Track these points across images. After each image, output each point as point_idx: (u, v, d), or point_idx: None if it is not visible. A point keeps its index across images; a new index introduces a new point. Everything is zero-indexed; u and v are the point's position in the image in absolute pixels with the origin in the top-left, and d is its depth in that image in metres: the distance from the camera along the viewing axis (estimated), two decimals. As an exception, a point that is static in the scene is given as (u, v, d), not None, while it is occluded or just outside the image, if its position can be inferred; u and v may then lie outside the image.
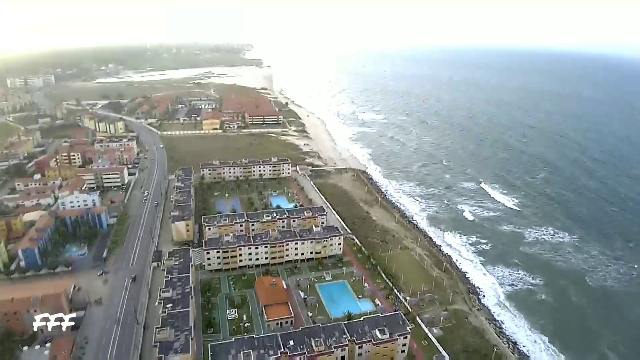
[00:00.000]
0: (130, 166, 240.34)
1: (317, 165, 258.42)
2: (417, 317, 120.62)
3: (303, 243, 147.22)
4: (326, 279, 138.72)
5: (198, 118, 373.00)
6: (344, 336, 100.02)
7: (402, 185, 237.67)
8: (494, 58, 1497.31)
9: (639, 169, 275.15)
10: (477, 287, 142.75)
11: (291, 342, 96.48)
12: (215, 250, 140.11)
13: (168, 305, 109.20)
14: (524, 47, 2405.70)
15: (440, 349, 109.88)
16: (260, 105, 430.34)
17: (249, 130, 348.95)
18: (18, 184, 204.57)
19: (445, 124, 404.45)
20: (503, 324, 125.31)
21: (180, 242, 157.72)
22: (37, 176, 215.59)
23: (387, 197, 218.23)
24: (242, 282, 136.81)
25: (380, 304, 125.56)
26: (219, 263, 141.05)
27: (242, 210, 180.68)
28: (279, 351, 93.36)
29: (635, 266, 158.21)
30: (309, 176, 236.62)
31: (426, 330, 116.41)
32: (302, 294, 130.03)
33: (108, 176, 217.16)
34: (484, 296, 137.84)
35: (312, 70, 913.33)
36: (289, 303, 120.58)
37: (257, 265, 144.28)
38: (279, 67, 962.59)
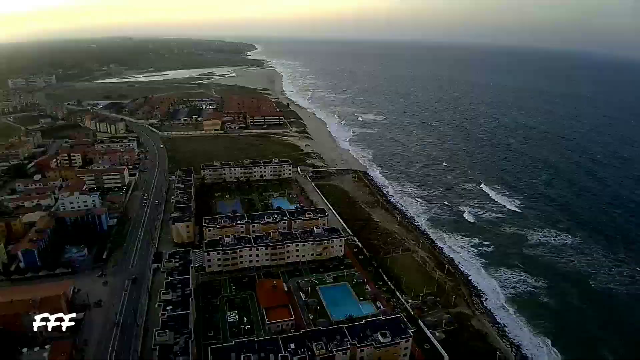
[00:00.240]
0: (130, 167, 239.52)
1: (318, 167, 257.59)
2: (420, 320, 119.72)
3: (304, 245, 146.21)
4: (327, 281, 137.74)
5: (199, 119, 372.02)
6: (346, 339, 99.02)
7: (403, 186, 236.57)
8: (498, 57, 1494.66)
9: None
10: (480, 289, 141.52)
11: (292, 345, 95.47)
12: (216, 252, 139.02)
13: (168, 308, 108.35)
14: (524, 48, 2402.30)
15: (443, 352, 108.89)
16: (261, 106, 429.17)
17: (250, 131, 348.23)
18: (18, 185, 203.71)
19: (446, 124, 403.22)
20: (506, 327, 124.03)
21: (181, 243, 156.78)
22: (38, 177, 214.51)
23: (388, 198, 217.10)
24: (243, 284, 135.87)
25: (381, 307, 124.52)
26: (219, 265, 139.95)
27: (242, 212, 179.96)
28: (279, 354, 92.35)
29: (638, 269, 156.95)
30: (310, 177, 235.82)
31: (428, 333, 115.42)
32: (303, 296, 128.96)
33: (108, 177, 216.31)
34: (486, 299, 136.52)
35: (312, 70, 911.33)
36: (289, 305, 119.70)
37: (257, 267, 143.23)
38: (279, 67, 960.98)
